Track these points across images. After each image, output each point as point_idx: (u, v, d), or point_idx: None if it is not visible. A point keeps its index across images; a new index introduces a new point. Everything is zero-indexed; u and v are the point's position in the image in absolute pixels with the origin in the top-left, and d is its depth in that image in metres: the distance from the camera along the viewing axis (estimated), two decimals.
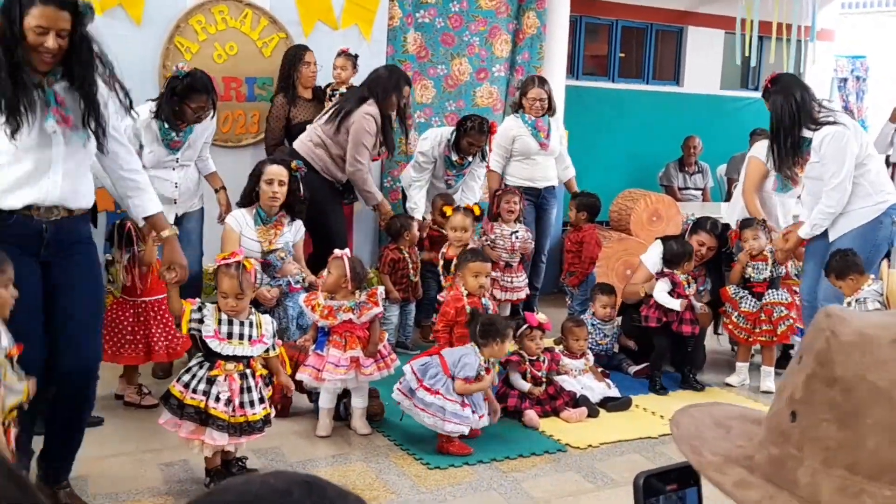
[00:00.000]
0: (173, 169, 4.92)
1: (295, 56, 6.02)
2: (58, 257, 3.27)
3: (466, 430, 4.24)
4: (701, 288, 5.51)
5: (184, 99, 4.74)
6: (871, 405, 0.84)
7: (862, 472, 0.84)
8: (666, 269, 5.41)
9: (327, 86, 6.16)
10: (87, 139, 3.25)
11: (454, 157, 6.15)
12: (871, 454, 0.84)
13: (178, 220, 4.91)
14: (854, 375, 0.86)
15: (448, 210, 5.57)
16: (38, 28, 3.05)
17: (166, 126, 4.78)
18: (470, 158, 6.19)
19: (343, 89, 6.06)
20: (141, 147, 4.68)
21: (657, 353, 5.42)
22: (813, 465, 0.87)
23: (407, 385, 4.25)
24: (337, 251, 4.47)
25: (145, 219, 3.57)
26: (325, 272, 4.49)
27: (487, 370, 4.29)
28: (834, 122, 4.97)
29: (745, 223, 5.67)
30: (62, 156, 3.19)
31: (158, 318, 4.60)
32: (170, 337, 4.61)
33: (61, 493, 3.45)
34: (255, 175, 4.93)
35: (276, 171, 4.88)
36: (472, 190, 6.39)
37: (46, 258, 3.25)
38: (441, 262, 5.41)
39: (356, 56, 6.19)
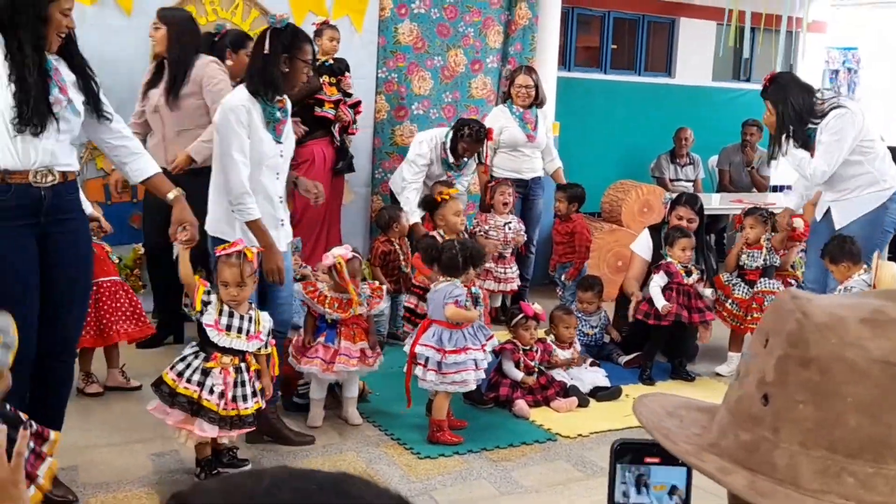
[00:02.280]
0: (277, 176, 4.08)
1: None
2: (54, 226, 3.30)
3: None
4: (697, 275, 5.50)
5: (293, 53, 3.95)
6: (850, 383, 0.85)
7: (842, 451, 0.84)
8: (662, 262, 5.41)
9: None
10: (79, 110, 3.30)
11: (451, 160, 6.05)
12: (852, 432, 0.84)
13: None
14: (830, 355, 0.86)
15: (446, 192, 5.44)
16: (67, 9, 3.19)
17: (269, 103, 3.97)
18: (466, 159, 6.13)
19: (330, 60, 6.03)
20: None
21: (651, 344, 5.44)
22: (790, 448, 0.87)
23: (433, 361, 4.24)
24: (329, 256, 4.42)
25: (145, 182, 3.59)
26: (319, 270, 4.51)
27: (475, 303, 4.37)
28: (837, 107, 5.00)
29: (750, 211, 5.72)
30: (55, 127, 3.21)
31: (111, 300, 4.56)
32: (129, 319, 4.58)
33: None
34: None
35: None
36: (461, 183, 6.33)
37: (45, 228, 3.28)
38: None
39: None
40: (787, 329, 0.90)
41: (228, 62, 5.33)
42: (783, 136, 5.08)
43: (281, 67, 3.93)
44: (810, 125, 5.03)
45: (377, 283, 4.58)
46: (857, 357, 0.85)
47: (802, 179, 5.32)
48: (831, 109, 4.99)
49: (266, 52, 3.91)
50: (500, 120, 6.36)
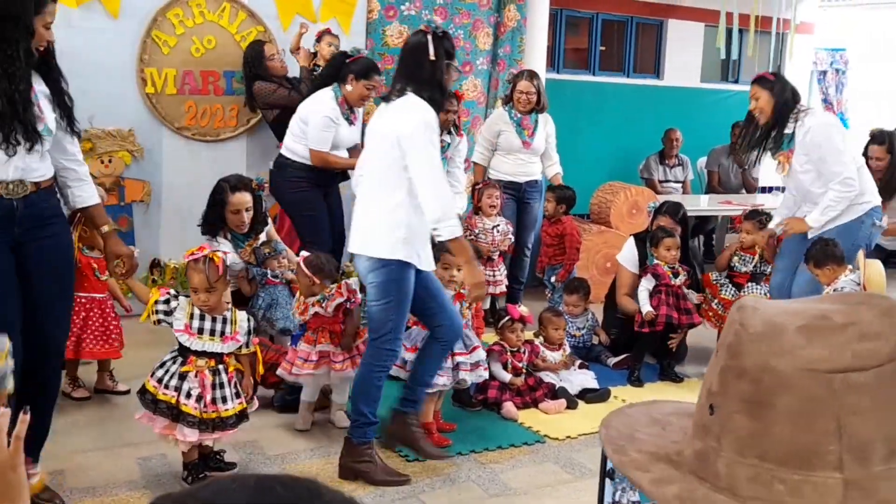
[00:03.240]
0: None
1: (254, 55, 5.93)
2: (30, 236, 3.27)
3: (448, 383, 4.27)
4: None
5: (453, 59, 4.16)
6: (777, 393, 0.86)
7: (771, 460, 0.86)
8: (648, 265, 5.42)
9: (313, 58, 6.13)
10: (51, 129, 3.26)
11: None
12: (779, 442, 0.86)
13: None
14: (760, 365, 0.88)
15: None
16: (50, 23, 3.17)
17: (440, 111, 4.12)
18: (448, 139, 6.11)
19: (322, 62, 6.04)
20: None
21: (640, 346, 5.44)
22: (729, 456, 0.89)
23: (401, 358, 4.21)
24: (296, 259, 4.44)
25: (82, 210, 3.57)
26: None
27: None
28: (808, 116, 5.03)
29: (750, 215, 5.74)
30: (29, 144, 3.17)
31: (94, 316, 4.54)
32: (104, 339, 4.55)
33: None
34: (219, 204, 4.71)
35: (241, 201, 4.71)
36: (457, 178, 6.24)
37: (20, 238, 3.25)
38: None
39: None
40: (728, 340, 0.92)
41: (348, 87, 5.32)
42: (773, 129, 5.09)
43: (445, 73, 3.90)
44: (788, 125, 5.04)
45: (343, 281, 4.46)
46: (786, 366, 0.86)
47: (789, 199, 5.33)
48: (805, 116, 5.02)
49: (432, 58, 3.82)
50: (498, 124, 6.37)
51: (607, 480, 1.12)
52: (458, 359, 4.25)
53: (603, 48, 9.80)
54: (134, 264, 3.57)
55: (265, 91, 5.89)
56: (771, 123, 5.08)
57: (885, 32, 11.73)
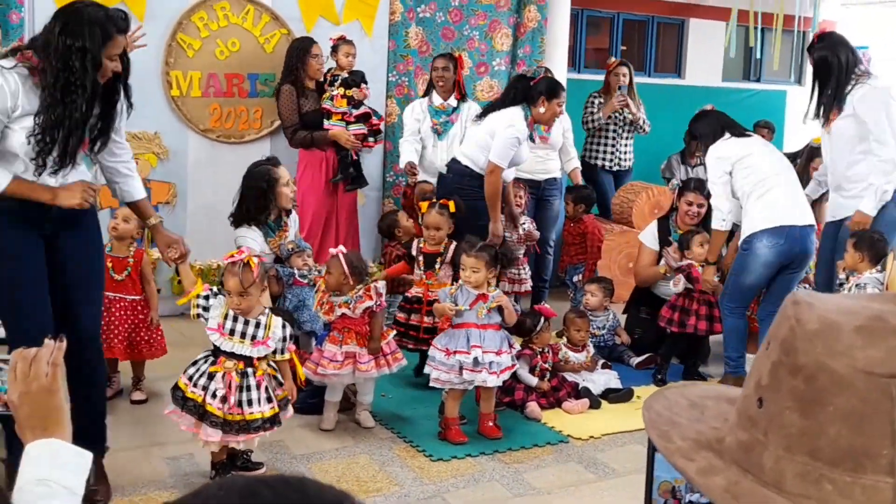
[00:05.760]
0: None
1: (302, 48, 6.01)
2: (63, 228, 3.36)
3: (456, 380, 4.28)
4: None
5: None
6: (833, 393, 0.86)
7: (822, 459, 0.86)
8: (683, 264, 5.42)
9: (328, 72, 6.17)
10: (92, 161, 3.42)
11: (436, 103, 6.18)
12: (832, 442, 0.86)
13: None
14: (815, 363, 0.88)
15: (423, 206, 5.25)
16: (115, 55, 3.23)
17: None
18: (454, 103, 6.17)
19: (345, 74, 6.08)
20: None
21: (668, 347, 5.47)
22: (777, 452, 0.89)
23: (438, 361, 4.31)
24: (332, 250, 4.48)
25: (130, 204, 3.67)
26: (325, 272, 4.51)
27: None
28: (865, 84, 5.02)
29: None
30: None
31: (123, 317, 4.58)
32: (132, 338, 4.60)
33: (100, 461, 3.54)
34: (268, 186, 4.84)
35: (286, 172, 5.00)
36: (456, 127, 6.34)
37: (53, 230, 3.34)
38: (420, 258, 5.13)
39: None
40: (782, 335, 0.92)
41: (541, 109, 5.39)
42: (825, 91, 5.08)
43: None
44: (847, 86, 5.03)
45: (372, 283, 4.49)
46: (842, 367, 0.86)
47: (813, 184, 5.35)
48: (861, 84, 5.01)
49: None
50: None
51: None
52: (459, 357, 4.24)
53: (624, 48, 9.78)
54: (185, 250, 3.66)
55: (286, 107, 6.01)
56: (821, 86, 5.09)
57: None
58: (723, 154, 5.10)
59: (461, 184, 5.46)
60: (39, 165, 3.16)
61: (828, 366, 0.87)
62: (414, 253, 5.16)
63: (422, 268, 5.08)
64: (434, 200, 5.16)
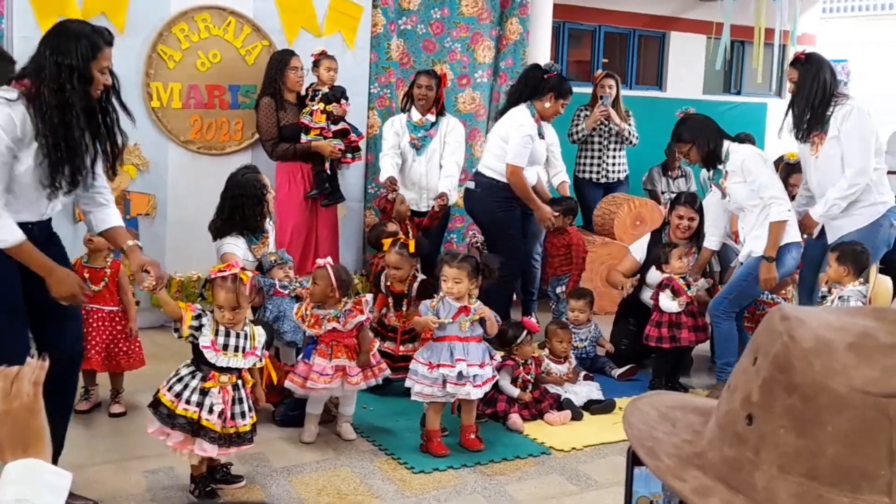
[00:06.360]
0: None
1: (281, 61, 6.02)
2: (41, 249, 3.33)
3: (439, 393, 4.25)
4: (692, 276, 5.54)
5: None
6: (832, 413, 0.85)
7: (820, 479, 0.85)
8: (664, 277, 5.43)
9: (309, 87, 6.17)
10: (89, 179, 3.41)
11: (415, 118, 6.15)
12: (830, 462, 0.85)
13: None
14: (814, 382, 0.86)
15: (385, 244, 5.12)
16: (105, 67, 3.23)
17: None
18: (432, 118, 6.17)
19: (325, 89, 6.07)
20: None
21: (659, 363, 5.49)
22: (770, 471, 0.88)
23: (420, 374, 4.30)
24: (320, 261, 4.46)
25: (103, 232, 3.63)
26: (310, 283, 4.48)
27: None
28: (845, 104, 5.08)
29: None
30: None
31: (101, 327, 4.55)
32: (110, 350, 4.56)
33: None
34: (262, 189, 4.89)
35: (268, 180, 5.06)
36: (437, 142, 6.27)
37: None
38: (390, 298, 5.14)
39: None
40: (774, 351, 0.90)
41: (546, 104, 5.64)
42: (805, 114, 5.13)
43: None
44: (829, 108, 5.08)
45: (362, 296, 4.51)
46: (840, 386, 0.85)
47: (800, 198, 5.40)
48: (841, 105, 5.06)
49: None
50: None
51: (635, 483, 1.11)
52: (442, 371, 4.22)
53: (605, 60, 9.83)
54: (162, 274, 3.54)
55: (265, 120, 6.02)
56: (802, 105, 5.14)
57: (887, 43, 11.76)
58: (764, 155, 5.32)
59: (491, 196, 5.62)
60: (52, 186, 3.18)
61: (826, 385, 0.86)
62: (382, 290, 5.16)
63: (391, 307, 5.12)
64: (395, 239, 5.12)
